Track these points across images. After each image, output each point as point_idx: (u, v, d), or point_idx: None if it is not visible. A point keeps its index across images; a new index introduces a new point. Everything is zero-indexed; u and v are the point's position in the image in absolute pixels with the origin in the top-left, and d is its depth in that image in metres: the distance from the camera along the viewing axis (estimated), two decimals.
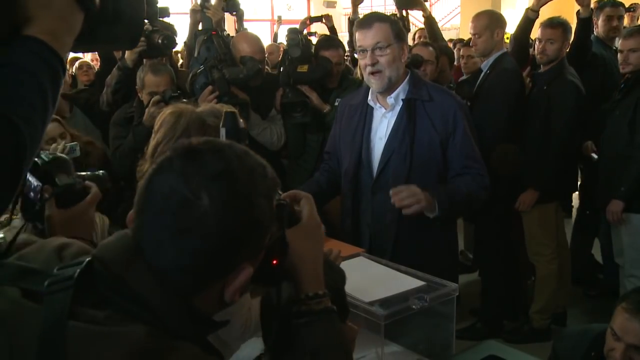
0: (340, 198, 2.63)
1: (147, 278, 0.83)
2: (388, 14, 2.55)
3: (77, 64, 5.34)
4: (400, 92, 2.43)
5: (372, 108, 2.49)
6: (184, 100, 2.81)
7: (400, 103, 2.43)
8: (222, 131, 1.20)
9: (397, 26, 2.37)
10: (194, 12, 3.42)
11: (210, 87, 2.97)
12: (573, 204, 4.93)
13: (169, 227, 0.82)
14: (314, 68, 3.27)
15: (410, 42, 4.36)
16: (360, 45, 2.39)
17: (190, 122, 1.70)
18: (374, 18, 2.39)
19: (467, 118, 2.46)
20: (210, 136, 1.68)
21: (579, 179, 4.31)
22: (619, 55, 3.49)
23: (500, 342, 3.54)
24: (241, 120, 1.23)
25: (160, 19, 3.41)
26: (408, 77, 2.45)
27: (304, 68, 3.25)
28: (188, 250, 0.82)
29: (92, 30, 0.97)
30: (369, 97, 2.49)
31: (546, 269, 3.69)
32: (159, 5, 3.55)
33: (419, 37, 5.25)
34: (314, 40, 3.79)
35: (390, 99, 2.44)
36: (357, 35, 2.40)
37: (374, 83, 2.40)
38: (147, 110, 2.82)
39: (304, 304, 1.02)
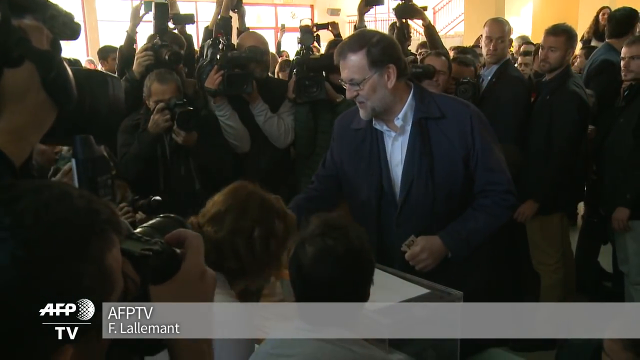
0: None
1: None
2: (374, 32, 2.29)
3: None
4: (407, 110, 2.20)
5: (381, 132, 2.27)
6: (190, 108, 2.83)
7: (410, 124, 2.21)
8: (72, 162, 0.99)
9: (375, 50, 2.11)
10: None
11: (215, 67, 2.99)
12: (578, 211, 4.92)
13: None
14: (325, 55, 3.35)
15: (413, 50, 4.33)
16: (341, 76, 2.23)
17: None
18: (347, 47, 2.16)
19: (483, 124, 2.26)
20: None
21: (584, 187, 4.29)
22: (621, 62, 3.48)
23: (505, 350, 3.54)
24: (102, 147, 1.02)
25: (178, 25, 3.55)
26: (412, 92, 2.22)
27: (316, 57, 3.36)
28: None
29: (66, 126, 0.94)
30: (374, 121, 2.25)
31: (551, 278, 3.66)
32: (185, 12, 3.67)
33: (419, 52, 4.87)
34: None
35: (397, 121, 2.21)
36: None
37: (360, 112, 2.23)
38: (152, 117, 2.83)
39: None
